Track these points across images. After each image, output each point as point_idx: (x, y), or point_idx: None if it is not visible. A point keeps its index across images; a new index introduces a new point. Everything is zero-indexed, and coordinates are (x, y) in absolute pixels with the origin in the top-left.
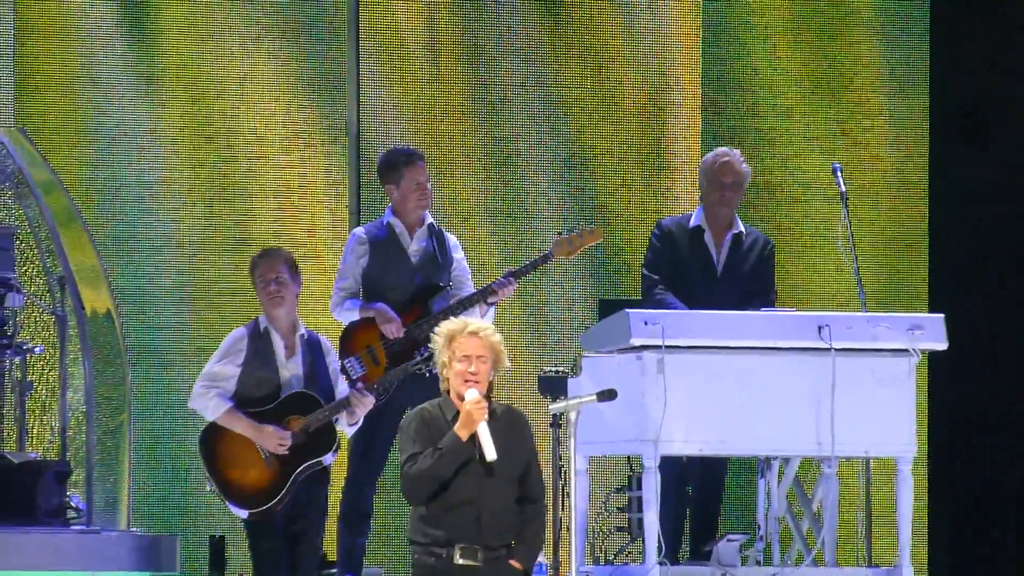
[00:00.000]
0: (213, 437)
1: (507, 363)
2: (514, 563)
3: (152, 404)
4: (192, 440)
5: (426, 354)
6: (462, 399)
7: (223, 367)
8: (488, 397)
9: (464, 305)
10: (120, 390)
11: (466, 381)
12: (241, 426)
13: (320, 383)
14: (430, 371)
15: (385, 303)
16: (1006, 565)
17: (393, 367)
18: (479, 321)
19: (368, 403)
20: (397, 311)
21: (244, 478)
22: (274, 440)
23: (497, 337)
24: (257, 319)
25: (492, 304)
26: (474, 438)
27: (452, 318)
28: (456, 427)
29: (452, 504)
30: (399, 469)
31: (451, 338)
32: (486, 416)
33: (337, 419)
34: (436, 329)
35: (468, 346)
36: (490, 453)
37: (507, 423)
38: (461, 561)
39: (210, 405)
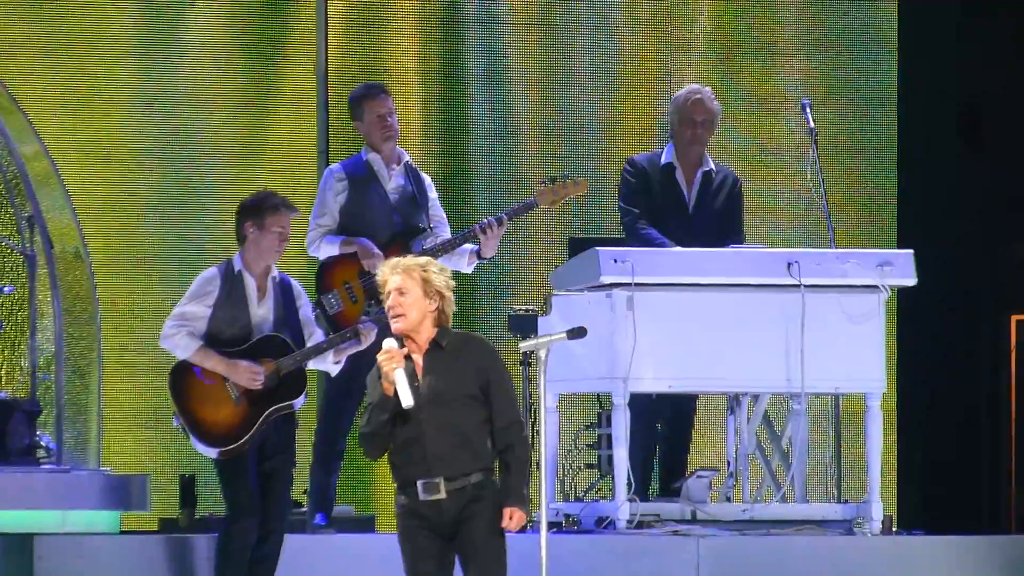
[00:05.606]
0: (183, 375)
1: (440, 286)
2: (507, 515)
3: (122, 343)
4: (162, 379)
5: None
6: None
7: (194, 307)
8: (440, 326)
9: (446, 248)
10: (90, 329)
11: (392, 317)
12: (213, 363)
13: (291, 327)
14: None
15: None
16: (976, 500)
17: (371, 305)
18: (408, 257)
19: (372, 335)
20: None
21: (213, 416)
22: (247, 375)
23: (416, 262)
24: (231, 260)
25: (482, 259)
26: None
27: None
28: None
29: (400, 447)
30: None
31: (383, 280)
32: (398, 364)
33: (306, 363)
34: None
35: (386, 281)
36: (405, 400)
37: (454, 351)
38: (424, 497)
39: (180, 343)
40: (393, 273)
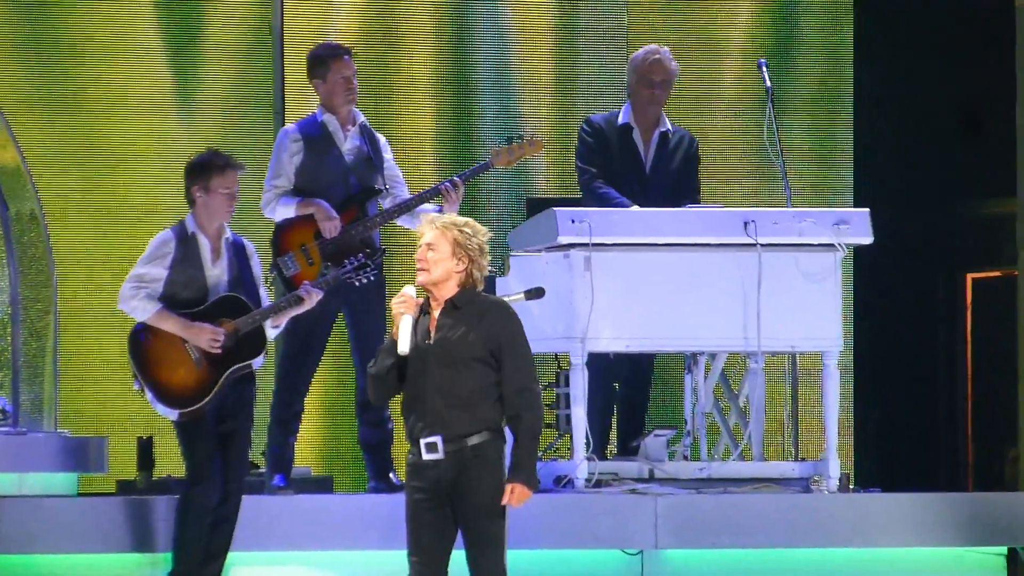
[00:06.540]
0: (142, 336)
1: (471, 248)
2: (508, 490)
3: (78, 305)
4: (119, 341)
5: (355, 264)
6: None
7: (150, 269)
8: (464, 288)
9: (402, 209)
10: (46, 291)
11: (417, 270)
12: (172, 325)
13: (246, 287)
14: (360, 280)
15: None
16: (932, 458)
17: (327, 267)
18: (448, 215)
19: (316, 298)
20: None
21: (173, 378)
22: (207, 337)
23: (454, 221)
24: (183, 222)
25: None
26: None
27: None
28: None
29: (405, 403)
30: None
31: (420, 233)
32: (407, 310)
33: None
34: None
35: (421, 234)
36: (402, 346)
37: (470, 313)
38: (426, 456)
39: (139, 306)
40: (429, 228)
